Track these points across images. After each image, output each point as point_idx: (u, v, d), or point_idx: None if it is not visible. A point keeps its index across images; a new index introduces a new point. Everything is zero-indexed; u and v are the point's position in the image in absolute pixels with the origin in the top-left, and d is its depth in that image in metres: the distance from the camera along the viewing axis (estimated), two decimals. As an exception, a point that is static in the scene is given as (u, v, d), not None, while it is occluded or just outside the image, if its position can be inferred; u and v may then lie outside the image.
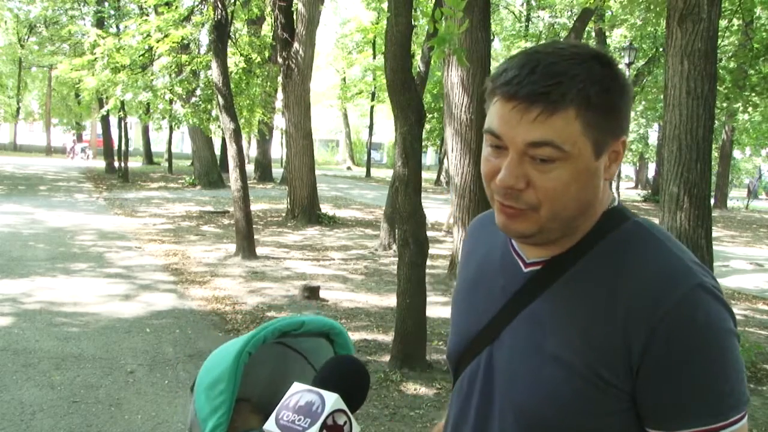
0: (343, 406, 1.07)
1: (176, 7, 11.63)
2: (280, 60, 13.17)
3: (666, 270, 0.91)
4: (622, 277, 0.92)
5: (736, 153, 35.13)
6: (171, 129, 22.30)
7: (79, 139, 38.11)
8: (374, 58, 30.21)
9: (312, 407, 1.05)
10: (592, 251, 0.97)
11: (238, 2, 12.33)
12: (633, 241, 0.96)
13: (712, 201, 8.38)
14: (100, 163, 27.22)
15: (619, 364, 0.90)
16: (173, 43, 10.97)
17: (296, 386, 1.11)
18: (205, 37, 15.14)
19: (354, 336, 5.80)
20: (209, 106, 14.57)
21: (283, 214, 14.25)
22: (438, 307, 6.67)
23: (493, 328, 1.04)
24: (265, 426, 1.08)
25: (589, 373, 0.91)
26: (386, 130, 43.75)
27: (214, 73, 9.35)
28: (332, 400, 1.06)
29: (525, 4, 24.99)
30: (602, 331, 0.91)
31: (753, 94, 13.51)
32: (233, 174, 9.18)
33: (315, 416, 1.04)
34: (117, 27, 19.25)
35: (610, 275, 0.94)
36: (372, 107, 32.76)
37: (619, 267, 0.94)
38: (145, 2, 12.33)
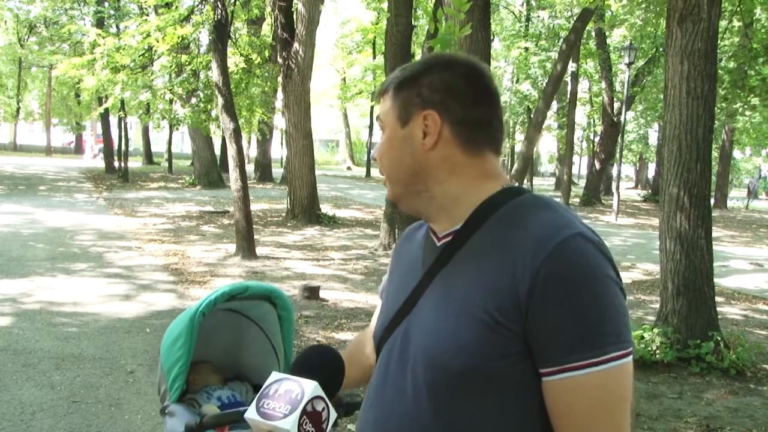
0: (322, 393, 1.11)
1: (176, 7, 11.63)
2: (280, 60, 13.16)
3: (551, 222, 1.03)
4: (514, 233, 1.04)
5: (736, 153, 35.13)
6: (171, 129, 22.32)
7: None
8: (374, 58, 30.24)
9: (291, 395, 1.09)
10: (493, 216, 1.09)
11: (238, 2, 12.34)
12: (527, 206, 1.09)
13: (712, 201, 8.36)
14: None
15: (509, 306, 0.99)
16: (173, 43, 10.96)
17: (275, 375, 1.15)
18: (205, 37, 15.14)
19: (354, 336, 5.80)
20: (209, 106, 14.57)
21: (283, 214, 14.25)
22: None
23: (411, 300, 1.14)
24: (246, 414, 1.11)
25: (485, 316, 1.00)
26: (386, 130, 43.63)
27: (214, 73, 9.35)
28: (311, 387, 1.10)
29: (525, 4, 24.99)
30: (496, 278, 1.01)
31: (752, 96, 13.50)
32: (233, 174, 9.18)
33: (295, 403, 1.07)
34: (117, 27, 19.24)
35: (505, 234, 1.05)
36: (372, 107, 32.74)
37: (513, 227, 1.06)
38: (145, 2, 12.33)
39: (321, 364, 1.23)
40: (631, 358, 0.99)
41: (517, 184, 1.18)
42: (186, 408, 1.81)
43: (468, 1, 3.13)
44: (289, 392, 1.09)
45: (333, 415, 1.12)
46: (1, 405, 3.98)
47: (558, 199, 1.24)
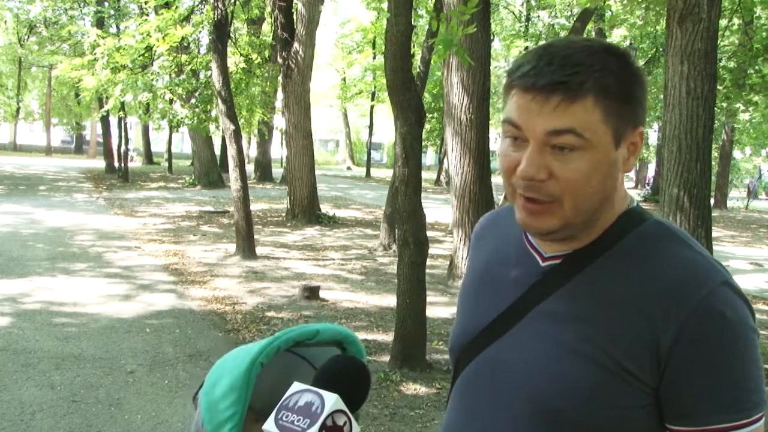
0: (343, 407, 1.06)
1: (176, 7, 11.63)
2: (280, 60, 13.16)
3: (693, 266, 0.92)
4: (647, 272, 0.93)
5: (736, 153, 35.12)
6: (171, 129, 22.31)
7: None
8: (374, 58, 30.20)
9: (311, 407, 1.05)
10: (614, 247, 0.97)
11: (238, 2, 12.33)
12: (655, 238, 0.97)
13: (712, 201, 8.37)
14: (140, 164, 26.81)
15: (645, 358, 0.90)
16: (173, 43, 10.96)
17: (296, 386, 1.11)
18: (205, 37, 15.15)
19: (354, 336, 5.80)
20: (209, 106, 14.57)
21: (283, 214, 14.24)
22: (438, 307, 6.67)
23: (503, 321, 1.03)
24: (264, 426, 1.08)
25: (614, 366, 0.91)
26: (386, 130, 43.74)
27: (214, 74, 9.35)
28: (332, 400, 1.05)
29: (525, 4, 24.98)
30: (627, 325, 0.91)
31: (752, 94, 13.49)
32: (233, 174, 9.18)
33: (314, 417, 1.03)
34: (117, 27, 19.24)
35: (633, 271, 0.94)
36: (372, 107, 32.77)
37: (642, 263, 0.94)
38: (146, 3, 12.33)
39: (345, 375, 1.17)
40: (764, 418, 0.94)
41: (638, 204, 1.03)
42: None
43: (476, 8, 3.13)
44: (309, 405, 1.06)
45: (356, 429, 1.07)
46: (1, 405, 3.98)
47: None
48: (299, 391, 1.09)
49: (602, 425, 0.93)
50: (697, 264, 0.93)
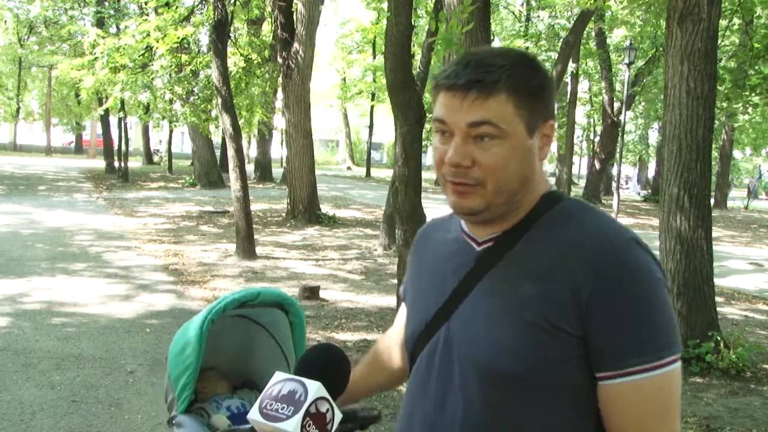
0: (326, 394, 1.09)
1: (176, 8, 11.62)
2: (280, 60, 13.16)
3: (603, 228, 1.06)
4: (566, 240, 1.06)
5: (736, 153, 35.12)
6: (171, 129, 22.32)
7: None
8: (374, 58, 30.21)
9: (295, 396, 1.07)
10: (537, 223, 1.10)
11: (238, 2, 12.33)
12: (572, 212, 1.10)
13: (712, 201, 8.36)
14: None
15: (571, 312, 1.00)
16: (173, 43, 10.96)
17: (278, 375, 1.13)
18: (205, 37, 15.14)
19: (354, 336, 5.80)
20: (209, 106, 14.56)
21: (283, 214, 14.24)
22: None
23: (449, 305, 1.13)
24: (249, 415, 1.10)
25: (542, 322, 1.01)
26: (386, 130, 43.71)
27: (214, 74, 9.35)
28: (314, 388, 1.08)
29: (525, 4, 24.98)
30: (551, 285, 1.02)
31: (752, 95, 13.48)
32: (233, 174, 9.18)
33: (298, 404, 1.06)
34: (117, 27, 19.24)
35: (555, 241, 1.07)
36: (372, 107, 32.76)
37: (562, 233, 1.07)
38: (146, 3, 12.32)
39: (326, 364, 1.20)
40: (680, 361, 1.03)
41: (555, 188, 1.17)
42: (195, 419, 1.76)
43: (472, 4, 3.13)
44: (292, 393, 1.08)
45: (338, 416, 1.10)
46: (1, 405, 3.98)
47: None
48: (282, 380, 1.11)
49: (540, 379, 1.02)
50: (607, 227, 1.06)
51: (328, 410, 1.08)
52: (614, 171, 21.68)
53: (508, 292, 1.06)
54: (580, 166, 43.27)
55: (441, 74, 1.08)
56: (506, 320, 1.04)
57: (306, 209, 13.53)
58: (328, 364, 1.20)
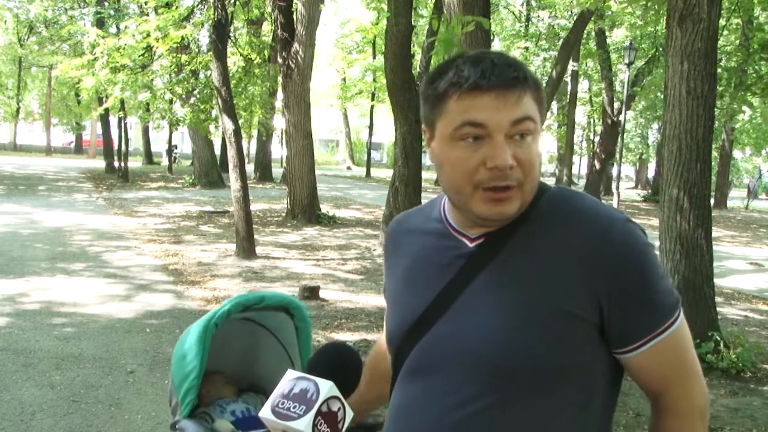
0: (337, 393, 1.09)
1: (176, 8, 11.62)
2: (280, 60, 13.15)
3: (600, 214, 1.08)
4: (565, 229, 1.06)
5: (736, 153, 35.13)
6: (170, 128, 22.31)
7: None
8: (374, 58, 30.22)
9: (307, 394, 1.07)
10: (530, 216, 1.09)
11: (238, 2, 12.33)
12: (562, 200, 1.11)
13: (712, 201, 8.36)
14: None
15: (581, 297, 1.03)
16: (173, 43, 10.96)
17: (290, 374, 1.13)
18: (205, 37, 15.14)
19: (354, 336, 5.80)
20: (208, 106, 14.56)
21: (283, 214, 14.24)
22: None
23: (442, 301, 1.10)
24: (261, 413, 1.10)
25: (557, 312, 1.02)
26: (386, 130, 43.71)
27: (214, 74, 9.35)
28: (326, 387, 1.08)
29: (525, 4, 25.00)
30: (559, 274, 1.03)
31: (749, 94, 13.47)
32: (233, 174, 9.17)
33: (310, 403, 1.06)
34: (117, 27, 19.24)
35: (552, 231, 1.07)
36: (372, 107, 32.75)
37: (559, 223, 1.07)
38: (146, 3, 12.32)
39: (337, 363, 1.19)
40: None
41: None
42: (198, 424, 1.74)
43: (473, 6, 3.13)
44: (304, 392, 1.08)
45: (349, 415, 1.10)
46: (1, 405, 3.98)
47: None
48: (294, 378, 1.11)
49: (555, 370, 1.03)
50: (602, 211, 1.08)
51: (339, 409, 1.08)
52: (614, 171, 21.66)
53: (515, 285, 1.05)
54: (580, 166, 43.26)
55: (453, 77, 1.03)
56: (518, 313, 1.03)
57: (306, 209, 13.52)
58: (340, 363, 1.20)
